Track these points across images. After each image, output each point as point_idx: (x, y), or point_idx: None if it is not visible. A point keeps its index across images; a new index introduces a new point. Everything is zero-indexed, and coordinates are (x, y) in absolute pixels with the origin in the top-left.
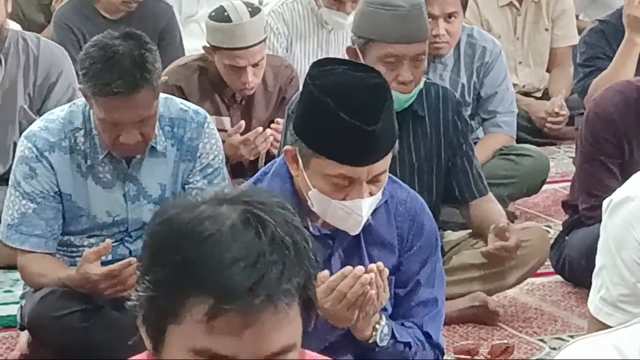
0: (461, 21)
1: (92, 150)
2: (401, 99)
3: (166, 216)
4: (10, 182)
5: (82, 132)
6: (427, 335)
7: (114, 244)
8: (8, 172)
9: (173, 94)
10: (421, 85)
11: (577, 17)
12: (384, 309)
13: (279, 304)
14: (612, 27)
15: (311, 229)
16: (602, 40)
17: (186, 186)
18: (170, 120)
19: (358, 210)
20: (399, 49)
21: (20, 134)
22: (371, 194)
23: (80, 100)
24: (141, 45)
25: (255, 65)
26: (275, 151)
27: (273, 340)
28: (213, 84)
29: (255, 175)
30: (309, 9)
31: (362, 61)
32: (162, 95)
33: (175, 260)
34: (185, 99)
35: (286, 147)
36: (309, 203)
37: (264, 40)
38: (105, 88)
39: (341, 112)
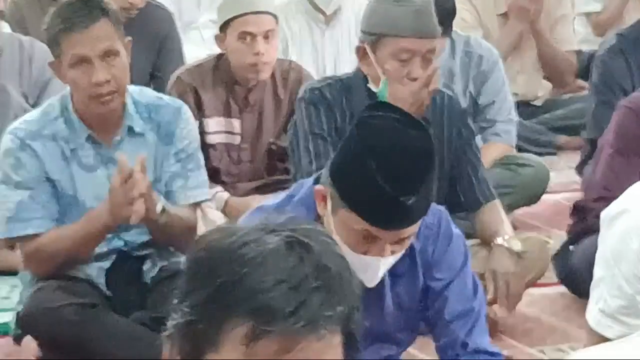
0: None
1: (73, 135)
2: None
3: (206, 242)
4: None
5: (61, 119)
6: (466, 346)
7: (107, 236)
8: None
9: (186, 92)
10: None
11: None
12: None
13: (321, 331)
14: (628, 40)
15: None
16: (620, 59)
17: (161, 169)
18: (147, 107)
19: (375, 268)
20: (413, 43)
21: None
22: (393, 253)
23: (56, 96)
24: None
25: (266, 38)
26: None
27: None
28: (226, 84)
29: (281, 198)
30: (302, 10)
31: (372, 59)
32: (136, 86)
33: (216, 282)
34: (199, 98)
35: (317, 186)
36: None
37: (275, 17)
38: (66, 23)
39: (380, 178)
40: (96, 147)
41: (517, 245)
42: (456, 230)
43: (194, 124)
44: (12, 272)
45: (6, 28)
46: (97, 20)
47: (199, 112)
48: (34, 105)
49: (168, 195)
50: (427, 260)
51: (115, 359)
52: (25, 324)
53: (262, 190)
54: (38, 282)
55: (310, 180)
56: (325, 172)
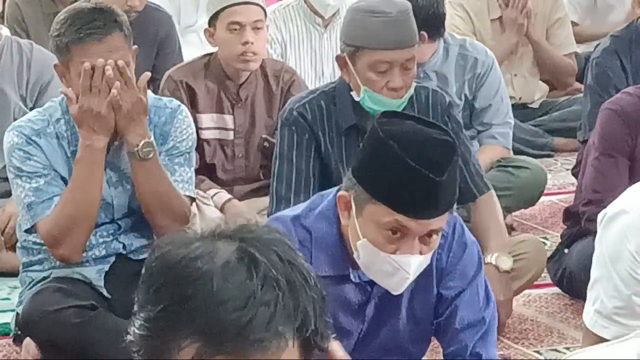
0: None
1: (73, 138)
2: (392, 104)
3: (161, 252)
4: (11, 176)
5: (62, 121)
6: (477, 355)
7: (107, 240)
8: (5, 167)
9: (178, 90)
10: (412, 91)
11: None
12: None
13: (269, 348)
14: (623, 42)
15: (352, 277)
16: (615, 60)
17: None
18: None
19: (406, 267)
20: (390, 55)
21: None
22: (421, 253)
23: (55, 98)
24: (105, 5)
25: (255, 29)
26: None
27: None
28: (218, 81)
29: (300, 208)
30: (300, 13)
31: (352, 69)
32: None
33: (166, 299)
34: (193, 94)
35: (340, 192)
36: (354, 255)
37: (263, 9)
38: (80, 33)
39: (408, 159)
40: None
41: (505, 264)
42: (471, 238)
43: (190, 125)
44: (12, 274)
45: (5, 31)
46: (110, 33)
47: (193, 108)
48: (32, 108)
49: None
50: (441, 269)
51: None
52: (25, 326)
53: (258, 192)
54: (37, 284)
55: (331, 192)
56: (345, 178)
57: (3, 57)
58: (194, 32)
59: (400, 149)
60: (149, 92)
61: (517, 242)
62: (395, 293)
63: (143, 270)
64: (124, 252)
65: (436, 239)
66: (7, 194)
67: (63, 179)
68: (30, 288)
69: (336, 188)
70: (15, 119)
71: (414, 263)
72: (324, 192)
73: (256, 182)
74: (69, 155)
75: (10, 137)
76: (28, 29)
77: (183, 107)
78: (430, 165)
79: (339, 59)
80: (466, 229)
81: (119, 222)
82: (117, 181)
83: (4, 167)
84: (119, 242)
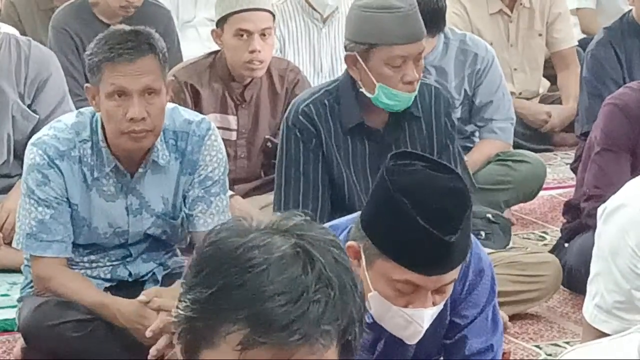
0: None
1: (98, 163)
2: (406, 98)
3: (216, 238)
4: (22, 191)
5: (89, 144)
6: None
7: (114, 264)
8: (3, 163)
9: (182, 91)
10: (418, 85)
11: None
12: None
13: (315, 345)
14: (617, 33)
15: (366, 317)
16: (610, 51)
17: (185, 195)
18: (175, 134)
19: (419, 320)
20: (406, 49)
21: (14, 127)
22: (434, 304)
23: (87, 110)
24: (143, 28)
25: (263, 36)
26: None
27: None
28: (222, 81)
29: None
30: (299, 8)
31: (364, 67)
32: (168, 105)
33: (218, 283)
34: (197, 95)
35: (349, 242)
36: (366, 304)
37: (272, 14)
38: (112, 52)
39: (419, 218)
40: (119, 177)
41: None
42: (487, 261)
43: (220, 149)
44: (12, 270)
45: (5, 27)
46: (144, 55)
47: (196, 108)
48: (30, 105)
49: (188, 218)
50: (455, 298)
51: None
52: (28, 340)
53: (259, 190)
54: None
55: (345, 226)
56: (355, 227)
57: (1, 53)
58: (193, 27)
59: (410, 205)
60: (180, 112)
61: (538, 263)
62: (409, 343)
63: (194, 255)
64: (129, 280)
65: (450, 288)
66: (6, 190)
67: (73, 205)
68: (32, 287)
69: (350, 221)
70: (13, 116)
71: (427, 315)
72: (335, 223)
73: (257, 180)
74: (88, 182)
75: (33, 153)
76: (25, 29)
77: (212, 131)
78: (443, 224)
79: (348, 58)
80: (482, 249)
81: (131, 248)
82: (137, 209)
83: (4, 163)
84: (126, 269)
